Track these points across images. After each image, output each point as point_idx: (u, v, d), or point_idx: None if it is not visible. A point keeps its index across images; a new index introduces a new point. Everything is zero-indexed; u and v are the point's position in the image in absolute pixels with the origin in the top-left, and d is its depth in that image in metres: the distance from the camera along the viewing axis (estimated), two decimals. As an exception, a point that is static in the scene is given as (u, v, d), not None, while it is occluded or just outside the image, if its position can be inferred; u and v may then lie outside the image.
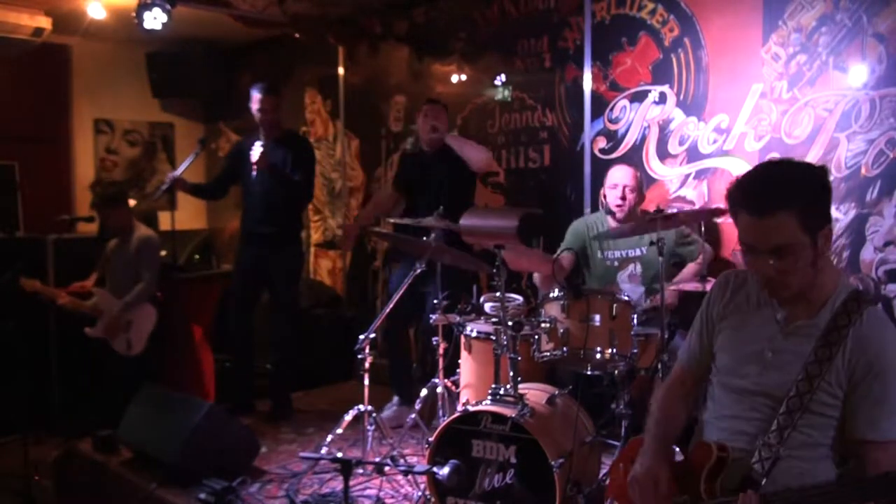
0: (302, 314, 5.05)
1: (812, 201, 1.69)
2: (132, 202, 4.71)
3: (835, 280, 1.80)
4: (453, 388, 3.68)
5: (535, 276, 3.87)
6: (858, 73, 3.37)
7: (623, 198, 3.67)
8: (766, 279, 1.76)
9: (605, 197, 3.80)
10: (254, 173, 4.25)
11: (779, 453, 1.72)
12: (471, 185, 4.28)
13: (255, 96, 4.28)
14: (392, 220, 4.18)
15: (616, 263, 3.78)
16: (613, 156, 4.20)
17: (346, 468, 2.14)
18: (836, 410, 1.75)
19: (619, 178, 3.71)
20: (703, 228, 3.43)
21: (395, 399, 4.30)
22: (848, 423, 1.74)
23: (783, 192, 1.68)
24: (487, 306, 3.51)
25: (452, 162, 4.12)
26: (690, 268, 3.67)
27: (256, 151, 4.17)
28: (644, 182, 3.89)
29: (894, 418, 1.68)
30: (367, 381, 3.40)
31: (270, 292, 4.56)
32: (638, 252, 3.73)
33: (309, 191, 4.61)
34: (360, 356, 3.32)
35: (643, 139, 4.12)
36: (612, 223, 3.77)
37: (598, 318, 3.07)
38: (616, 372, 3.16)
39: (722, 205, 2.42)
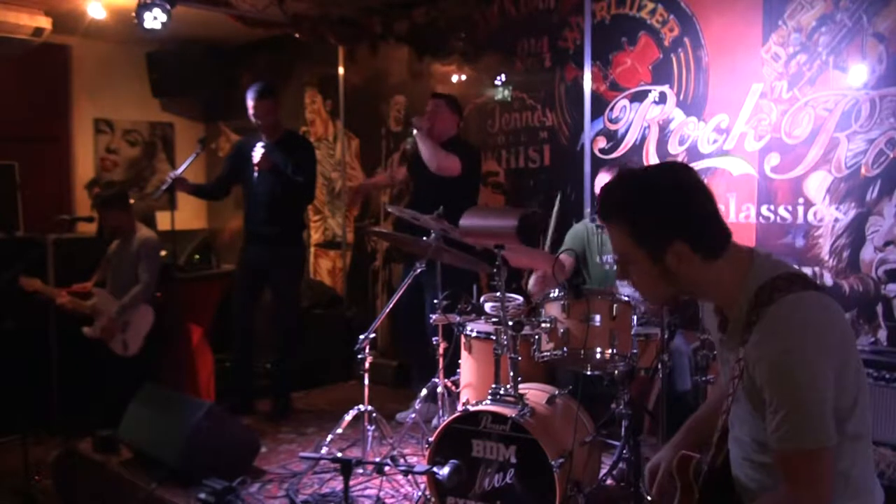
0: (302, 314, 5.05)
1: (640, 218, 1.57)
2: (132, 202, 4.70)
3: (735, 279, 1.56)
4: (453, 388, 3.68)
5: (530, 282, 3.81)
6: (858, 72, 3.37)
7: None
8: None
9: None
10: (255, 174, 4.25)
11: (703, 469, 1.66)
12: (462, 184, 4.14)
13: (249, 102, 4.30)
14: (391, 210, 4.25)
15: (615, 266, 3.76)
16: (613, 156, 4.20)
17: (346, 468, 2.15)
18: (748, 427, 1.57)
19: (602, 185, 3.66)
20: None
21: (422, 395, 4.14)
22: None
23: (611, 205, 1.63)
24: (487, 306, 3.50)
25: None
26: None
27: (258, 152, 4.17)
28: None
29: (781, 430, 1.45)
30: (367, 381, 3.41)
31: (272, 292, 4.56)
32: (637, 253, 3.72)
33: (311, 191, 4.62)
34: (360, 356, 3.33)
35: (643, 139, 4.12)
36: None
37: (598, 318, 3.06)
38: (616, 372, 3.15)
39: (722, 206, 2.38)
